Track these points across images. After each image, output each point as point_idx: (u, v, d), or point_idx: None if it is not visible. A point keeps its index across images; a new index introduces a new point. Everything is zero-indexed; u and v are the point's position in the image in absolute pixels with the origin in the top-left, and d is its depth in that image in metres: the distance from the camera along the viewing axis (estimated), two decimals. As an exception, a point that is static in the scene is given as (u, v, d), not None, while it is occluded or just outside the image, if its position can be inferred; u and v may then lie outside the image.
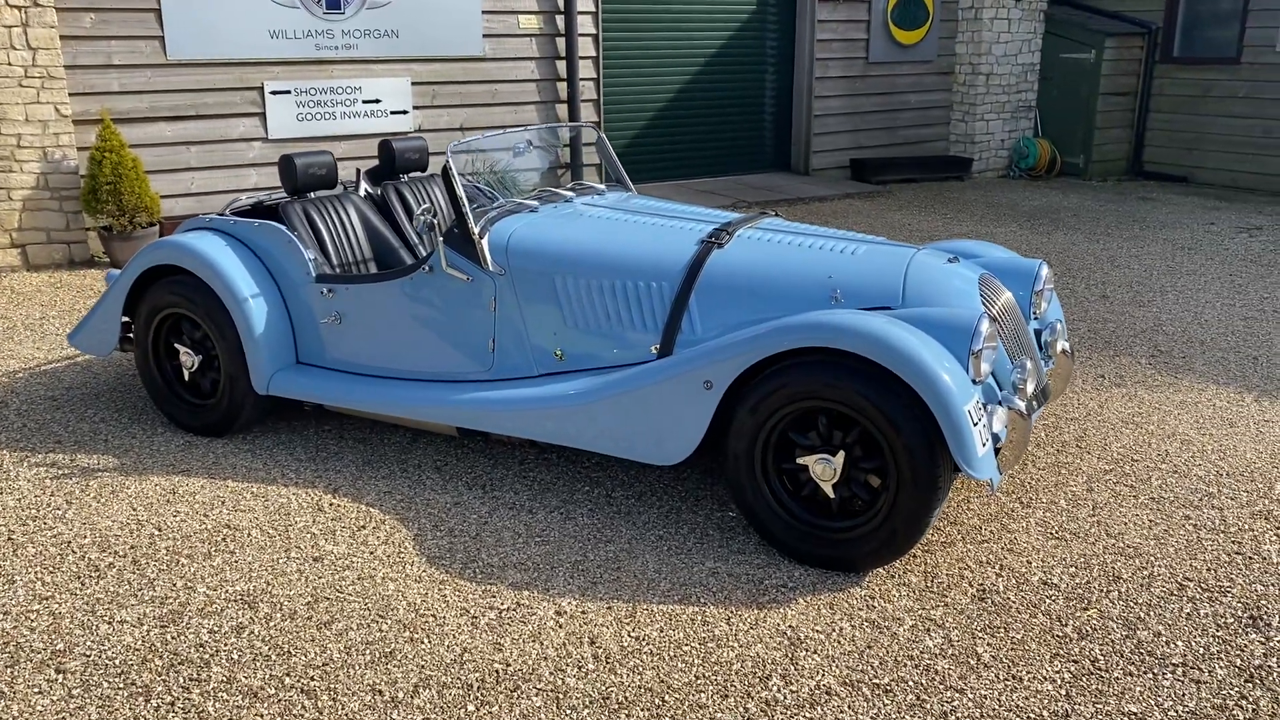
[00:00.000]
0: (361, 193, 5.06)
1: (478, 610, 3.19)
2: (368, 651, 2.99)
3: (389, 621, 3.14)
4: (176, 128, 8.08)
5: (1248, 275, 7.35)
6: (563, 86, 9.53)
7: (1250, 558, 3.43)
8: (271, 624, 3.12)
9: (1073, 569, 3.38)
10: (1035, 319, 4.06)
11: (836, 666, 2.90)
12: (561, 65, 9.48)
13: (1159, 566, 3.38)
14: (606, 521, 3.75)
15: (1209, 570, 3.36)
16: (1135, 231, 8.90)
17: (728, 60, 11.03)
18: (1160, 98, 12.03)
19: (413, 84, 8.94)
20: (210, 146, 8.27)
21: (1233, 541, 3.54)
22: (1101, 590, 3.25)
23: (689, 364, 3.49)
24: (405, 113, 9.06)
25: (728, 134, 11.27)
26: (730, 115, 11.24)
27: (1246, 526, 3.64)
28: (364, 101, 8.85)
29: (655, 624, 3.11)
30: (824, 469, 3.30)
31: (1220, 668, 2.86)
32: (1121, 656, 2.91)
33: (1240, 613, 3.11)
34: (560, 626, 3.11)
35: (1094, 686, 2.80)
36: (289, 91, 8.56)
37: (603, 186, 4.71)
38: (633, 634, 3.06)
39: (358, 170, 5.17)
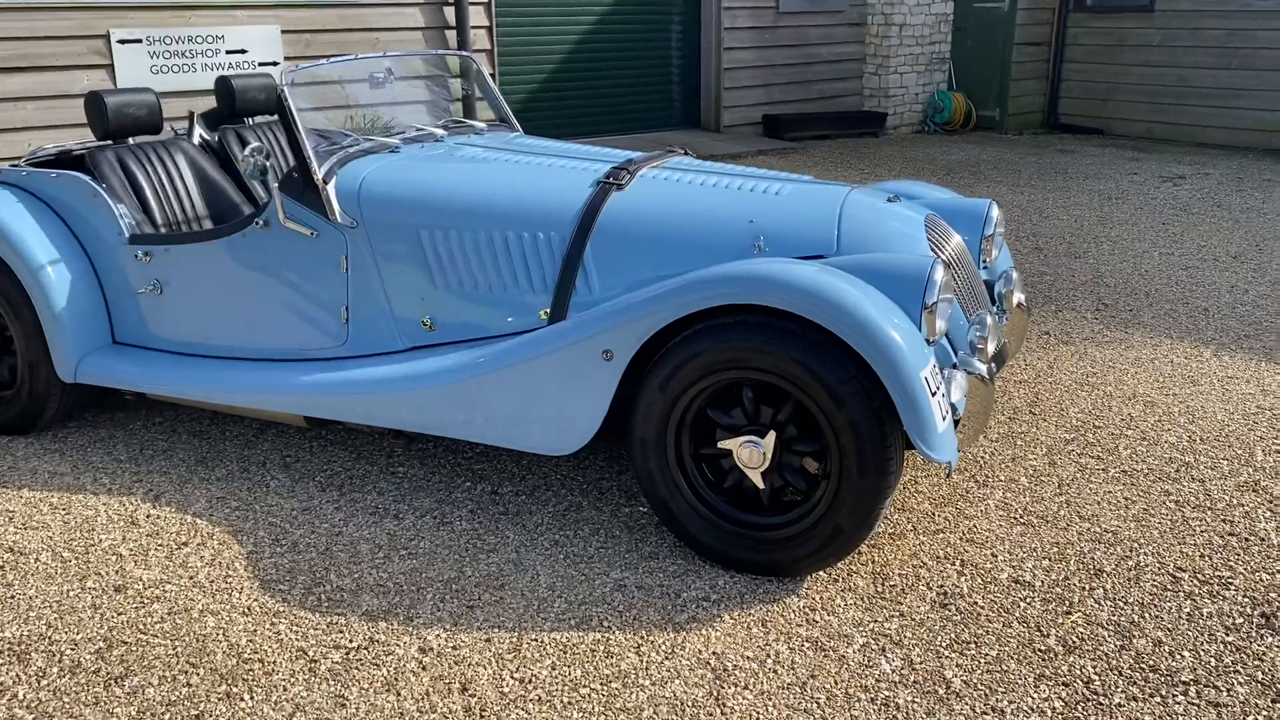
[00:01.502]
0: (196, 139, 4.26)
1: (319, 651, 2.50)
2: (167, 715, 2.29)
3: (201, 671, 2.43)
4: (9, 81, 7.09)
5: (1180, 224, 6.97)
6: (452, 35, 8.72)
7: (1246, 539, 2.93)
8: (44, 683, 2.39)
9: (1046, 561, 2.83)
10: (985, 267, 3.50)
11: (773, 706, 2.30)
12: (450, 12, 8.67)
13: (1145, 555, 2.86)
14: (490, 526, 3.08)
15: (1203, 557, 2.84)
16: (1059, 183, 8.50)
17: (632, 9, 10.32)
18: (1075, 48, 11.70)
19: (282, 32, 8.05)
20: (50, 103, 7.28)
21: (1223, 521, 3.03)
22: (1083, 588, 2.71)
23: (583, 331, 2.83)
24: (275, 64, 8.18)
25: (633, 88, 10.58)
26: (636, 68, 10.54)
27: (1234, 501, 3.14)
28: (228, 52, 7.95)
29: (545, 659, 2.46)
30: (751, 454, 2.69)
31: (1239, 683, 2.33)
32: (1120, 674, 2.37)
33: (1249, 610, 2.60)
34: (424, 669, 2.44)
35: (1093, 718, 2.24)
36: (140, 40, 7.61)
37: (482, 125, 4.00)
38: (516, 675, 2.41)
39: (191, 113, 4.36)
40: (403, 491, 3.30)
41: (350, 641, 2.54)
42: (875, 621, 2.58)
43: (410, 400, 3.11)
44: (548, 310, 3.13)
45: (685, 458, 2.81)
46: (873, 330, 2.48)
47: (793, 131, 10.75)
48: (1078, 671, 2.38)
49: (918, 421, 2.48)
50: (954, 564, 2.83)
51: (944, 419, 2.54)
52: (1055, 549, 2.90)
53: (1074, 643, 2.48)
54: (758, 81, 10.93)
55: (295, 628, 2.60)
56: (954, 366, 2.80)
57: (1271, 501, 3.13)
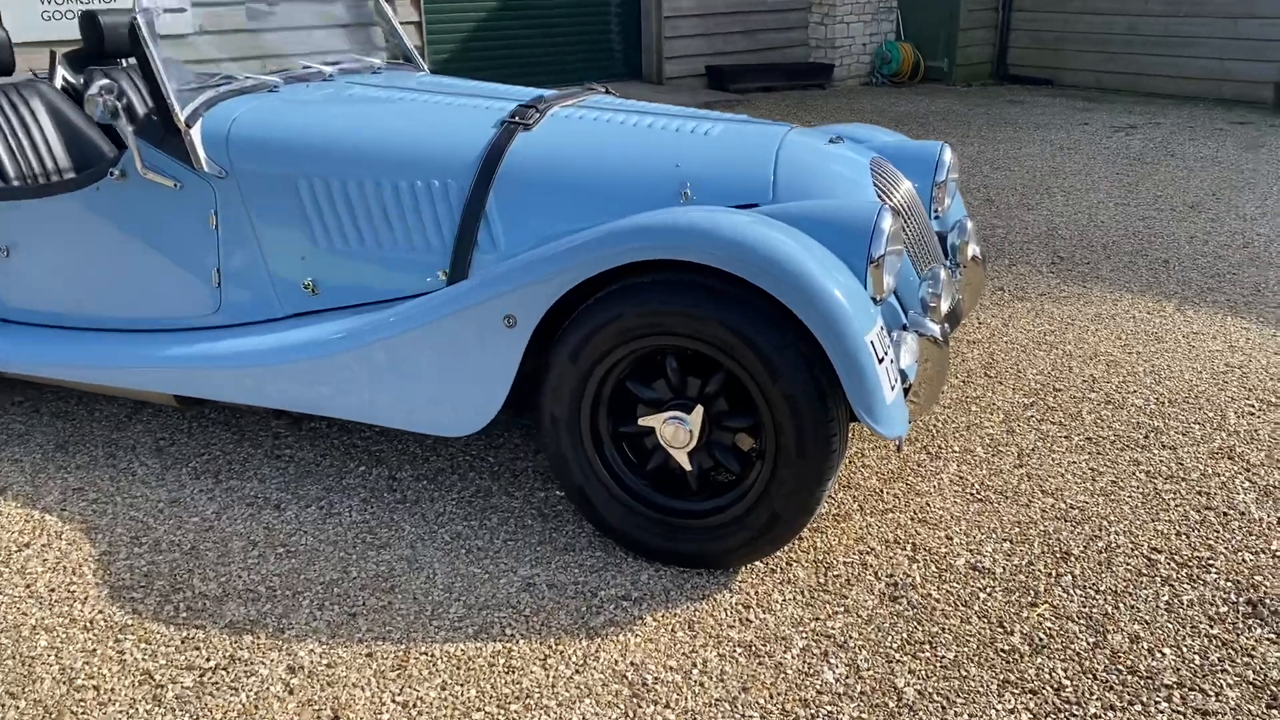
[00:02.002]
0: (58, 82, 3.78)
1: (168, 673, 2.13)
2: (-26, 763, 1.91)
3: (22, 703, 2.05)
4: None
5: (1134, 174, 6.72)
6: (372, -21, 8.17)
7: (1225, 514, 2.65)
8: None
9: (1007, 544, 2.53)
10: (936, 218, 3.17)
11: (700, 727, 1.98)
12: (369, -46, 8.10)
13: (1116, 534, 2.56)
14: (383, 517, 2.71)
15: (1179, 536, 2.55)
16: (1009, 134, 8.22)
17: (565, -47, 9.82)
18: (1024, -4, 11.40)
19: (185, -25, 7.45)
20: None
21: (1198, 493, 2.75)
22: (1049, 574, 2.41)
23: (482, 293, 2.46)
24: (183, 11, 7.59)
25: (571, 39, 10.09)
26: (573, 18, 10.05)
27: (1209, 471, 2.87)
28: (127, -3, 7.35)
29: (435, 678, 2.11)
30: (676, 431, 2.34)
31: (1228, 684, 2.05)
32: (1094, 678, 2.07)
33: (1234, 597, 2.32)
34: (290, 693, 2.08)
35: (1066, 731, 1.95)
36: (28, -16, 7.01)
37: (377, 62, 3.57)
38: (399, 697, 2.06)
39: (52, 52, 3.87)
40: (287, 478, 2.91)
41: (207, 661, 2.17)
42: (817, 620, 2.26)
43: (289, 375, 2.71)
44: (446, 270, 2.75)
45: (602, 437, 2.46)
46: (811, 288, 2.14)
47: (737, 83, 10.35)
48: (1046, 675, 2.08)
49: (863, 392, 2.15)
50: (905, 549, 2.52)
51: (893, 388, 2.21)
52: (1017, 529, 2.59)
53: (1041, 640, 2.18)
54: (701, 31, 10.50)
55: (143, 645, 2.22)
56: (904, 328, 2.47)
57: (1249, 470, 2.86)
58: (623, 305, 2.29)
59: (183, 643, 2.22)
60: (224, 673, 2.13)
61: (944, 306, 2.56)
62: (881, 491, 2.79)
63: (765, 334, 2.19)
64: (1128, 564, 2.44)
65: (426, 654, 2.18)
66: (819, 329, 2.13)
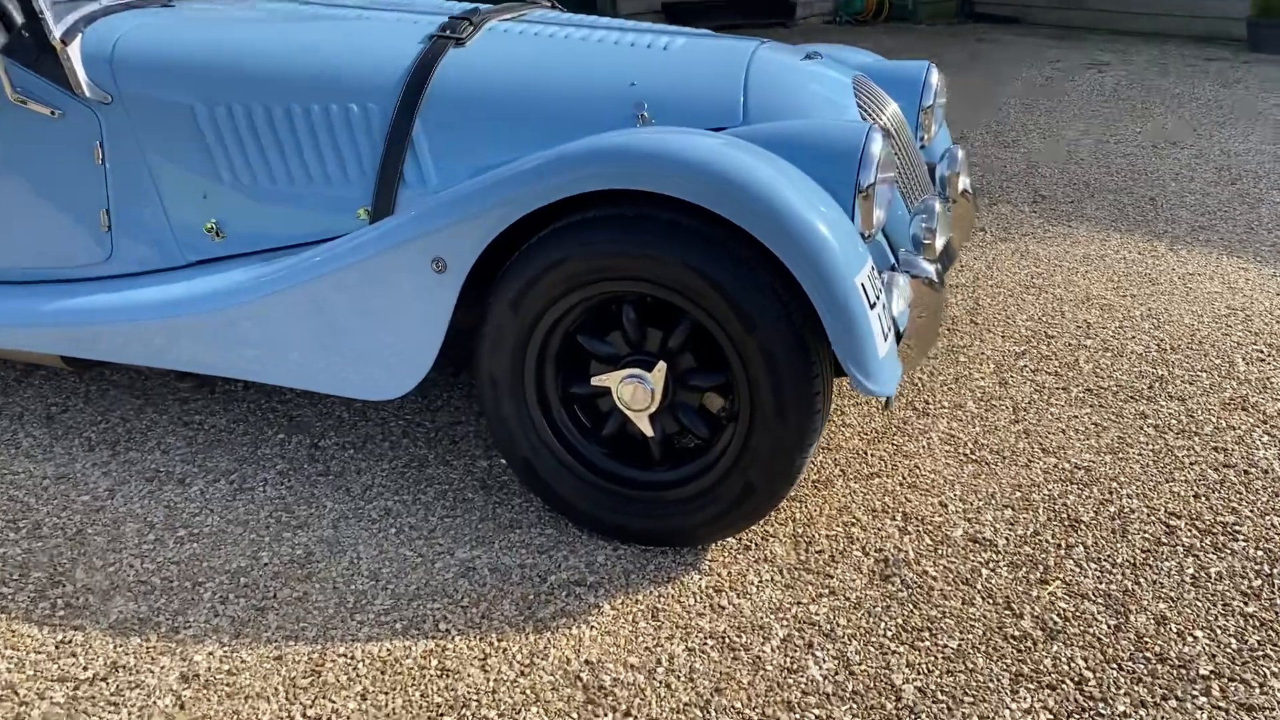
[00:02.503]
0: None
1: (35, 686, 1.80)
2: None
3: None
4: None
5: (1110, 111, 6.44)
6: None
7: (1246, 472, 2.39)
8: None
9: (1008, 511, 2.25)
10: (922, 147, 2.85)
11: (667, 739, 1.68)
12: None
13: (1128, 498, 2.30)
14: (302, 492, 2.38)
15: (1198, 498, 2.29)
16: (980, 72, 7.90)
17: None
18: (991, -70, 11.03)
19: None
20: None
21: (1214, 449, 2.49)
22: (1058, 546, 2.13)
23: (406, 233, 2.10)
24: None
25: (520, -27, 9.59)
26: (521, -49, 9.53)
27: (1223, 424, 2.60)
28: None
29: (356, 684, 1.80)
30: (635, 392, 2.02)
31: (1273, 672, 1.79)
32: (1119, 668, 1.80)
33: (1266, 568, 2.05)
34: (181, 708, 1.75)
35: (1092, 735, 1.68)
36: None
37: (292, -25, 3.16)
38: (312, 709, 1.74)
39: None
40: (195, 449, 2.56)
41: (84, 670, 1.84)
42: (799, 604, 1.97)
43: (189, 331, 2.35)
44: (369, 208, 2.39)
45: (550, 399, 2.14)
46: (792, 222, 1.81)
47: (696, 21, 9.92)
48: (1065, 666, 1.81)
49: (853, 344, 1.83)
50: (894, 518, 2.23)
51: (885, 339, 1.90)
52: (1018, 494, 2.32)
53: (1056, 624, 1.91)
54: (657, -35, 10.05)
55: (9, 652, 1.88)
56: (893, 269, 2.16)
57: (1267, 422, 2.60)
58: (570, 245, 1.96)
59: (57, 648, 1.89)
60: (103, 684, 1.80)
61: (938, 244, 2.25)
62: (865, 453, 2.49)
63: (738, 277, 1.86)
64: (1144, 532, 2.17)
65: (346, 655, 1.86)
66: (802, 270, 1.81)
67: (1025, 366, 2.93)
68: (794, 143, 2.02)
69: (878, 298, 1.90)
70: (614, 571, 2.07)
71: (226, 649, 1.88)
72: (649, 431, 2.07)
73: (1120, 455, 2.46)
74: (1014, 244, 4.00)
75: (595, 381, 2.07)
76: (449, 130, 2.32)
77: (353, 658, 1.85)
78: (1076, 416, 2.65)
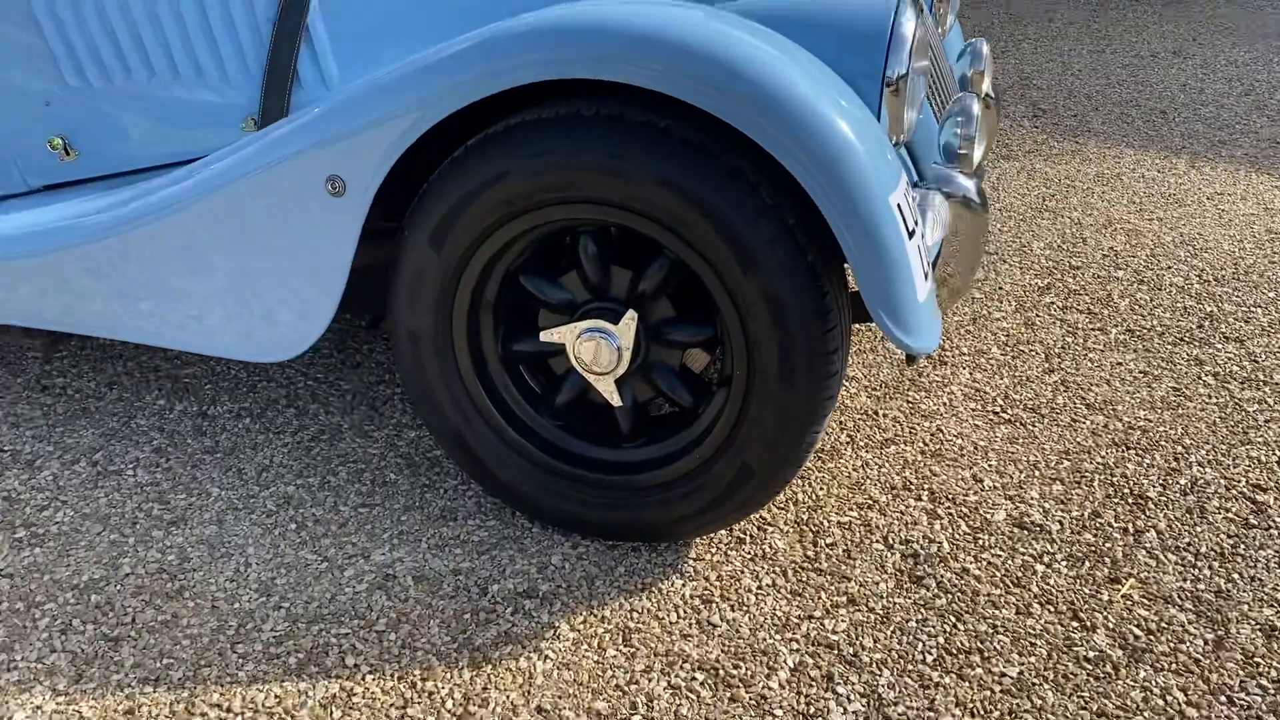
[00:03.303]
0: None
1: None
2: None
3: None
4: None
5: (1102, 20, 5.97)
6: None
7: (1333, 431, 1.99)
8: None
9: (1057, 486, 1.84)
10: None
11: (648, 821, 1.26)
12: None
13: (1199, 465, 1.89)
14: (183, 475, 1.90)
15: (1282, 465, 1.89)
16: (958, -21, 7.37)
17: None
18: None
19: None
20: None
21: (1289, 402, 2.09)
22: (1124, 531, 1.72)
23: (292, 145, 1.60)
24: None
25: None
26: None
27: (1293, 370, 2.20)
28: None
29: (228, 755, 1.35)
30: (597, 350, 1.56)
31: None
32: (1231, 702, 1.40)
33: (1385, 557, 1.66)
34: (-13, 797, 1.30)
35: (1208, 802, 1.28)
36: None
37: None
38: (166, 796, 1.30)
39: None
40: (53, 420, 2.07)
41: None
42: (811, 619, 1.55)
43: (32, 275, 1.85)
44: (255, 117, 1.88)
45: (488, 359, 1.67)
46: (805, 118, 1.34)
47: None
48: (1160, 701, 1.40)
49: (886, 285, 1.38)
50: (920, 498, 1.81)
51: (925, 278, 1.45)
52: (1066, 463, 1.90)
53: (1139, 641, 1.50)
54: None
55: None
56: (915, 185, 1.70)
57: (1345, 369, 2.20)
58: (507, 158, 1.47)
59: None
60: (-114, 760, 1.34)
61: (976, 154, 1.79)
62: (876, 414, 2.06)
63: (732, 199, 1.39)
64: (1227, 511, 1.76)
65: (220, 706, 1.41)
66: (818, 185, 1.34)
67: (1052, 303, 2.51)
68: (802, 20, 1.54)
69: (916, 223, 1.45)
70: (573, 578, 1.63)
71: (62, 700, 1.42)
72: (615, 400, 1.61)
73: (1180, 412, 2.05)
74: (1019, 163, 3.55)
75: (545, 337, 1.60)
76: (353, 15, 1.81)
77: (229, 709, 1.40)
78: (1120, 364, 2.23)
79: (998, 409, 2.08)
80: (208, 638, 1.52)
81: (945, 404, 2.10)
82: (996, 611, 1.55)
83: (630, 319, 1.54)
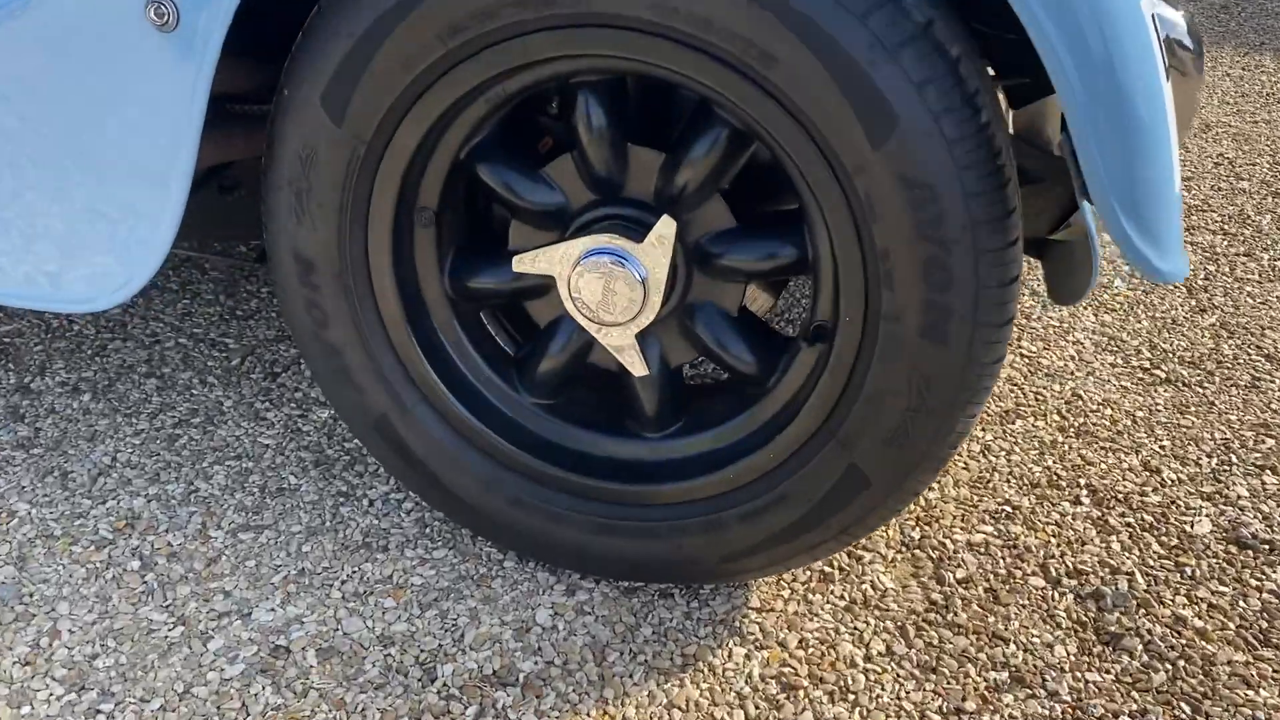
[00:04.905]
0: None
1: None
2: None
3: None
4: None
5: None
6: None
7: None
8: None
9: (1267, 476, 1.27)
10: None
11: None
12: None
13: None
14: (9, 476, 1.27)
15: None
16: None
17: None
18: None
19: None
20: None
21: None
22: (1390, 546, 1.15)
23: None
24: None
25: None
26: None
27: None
28: None
29: None
30: (609, 285, 0.95)
31: None
32: None
33: None
34: None
35: None
36: None
37: None
38: None
39: None
40: None
41: None
42: (940, 695, 0.96)
43: None
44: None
45: (428, 301, 1.05)
46: None
47: None
48: None
49: (1141, 163, 0.78)
50: (1079, 500, 1.23)
51: (1179, 162, 0.85)
52: (1268, 439, 1.33)
53: None
54: None
55: None
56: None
57: None
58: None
59: None
60: None
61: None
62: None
63: (856, 7, 0.78)
64: None
65: None
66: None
67: (1207, 228, 1.92)
68: None
69: (1169, 64, 0.84)
70: (571, 648, 1.03)
71: None
72: (637, 366, 1.00)
73: (1402, 364, 1.48)
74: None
75: (521, 265, 0.98)
76: None
77: None
78: (1293, 301, 1.66)
79: (1147, 364, 1.50)
80: (-32, 773, 0.91)
81: (1075, 358, 1.51)
82: (1251, 694, 0.98)
83: (665, 231, 0.92)
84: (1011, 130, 1.11)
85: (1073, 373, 1.48)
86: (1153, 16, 0.80)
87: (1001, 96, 1.10)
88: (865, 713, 0.96)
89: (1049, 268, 1.13)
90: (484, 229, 1.09)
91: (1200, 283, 1.72)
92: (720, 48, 0.82)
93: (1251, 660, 1.01)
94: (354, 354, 1.04)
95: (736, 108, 0.86)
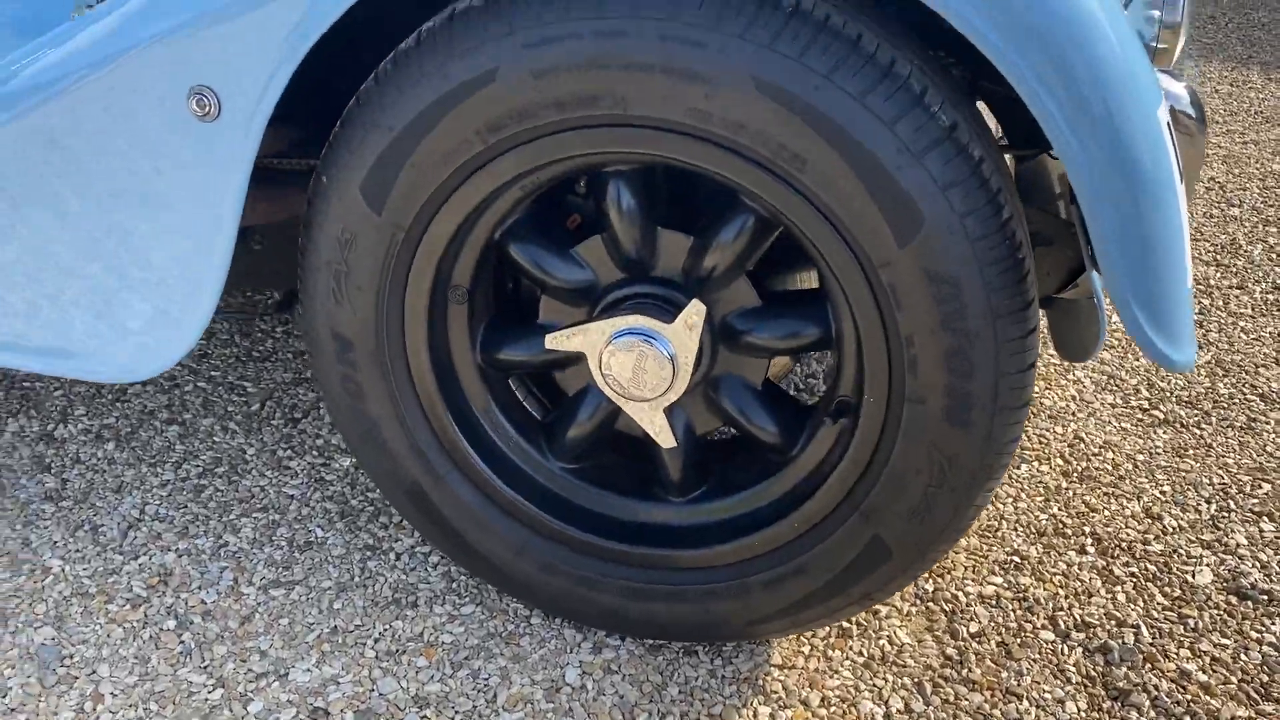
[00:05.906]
0: None
1: None
2: None
3: None
4: None
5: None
6: None
7: None
8: None
9: (1265, 523, 1.31)
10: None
11: None
12: None
13: None
14: (8, 540, 1.29)
15: None
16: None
17: None
18: None
19: None
20: None
21: None
22: (1382, 594, 1.20)
23: (131, 36, 0.97)
24: None
25: None
26: None
27: None
28: None
29: None
30: (640, 363, 0.98)
31: None
32: None
33: None
34: None
35: None
36: None
37: None
38: None
39: None
40: None
41: None
42: (973, 767, 1.01)
43: None
44: (90, -2, 1.24)
45: (459, 374, 1.08)
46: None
47: None
48: None
49: (1155, 263, 0.82)
50: (1084, 549, 1.27)
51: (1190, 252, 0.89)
52: (1265, 485, 1.37)
53: None
54: None
55: None
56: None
57: None
58: (494, 48, 0.87)
59: None
60: None
61: (1179, 45, 1.22)
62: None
63: (885, 115, 0.81)
64: None
65: None
66: (1058, 85, 0.77)
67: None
68: None
69: (1176, 151, 0.88)
70: (600, 708, 1.06)
71: None
72: (665, 439, 1.03)
73: (1391, 404, 1.53)
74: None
75: (555, 342, 1.01)
76: None
77: None
78: (1285, 335, 1.70)
79: (1145, 404, 1.54)
80: (22, 843, 0.94)
81: (1075, 398, 1.55)
82: (1255, 751, 1.02)
83: (695, 315, 0.96)
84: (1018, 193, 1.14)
85: (1074, 414, 1.52)
86: (1167, 125, 0.84)
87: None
88: (887, 771, 1.00)
89: (1056, 324, 1.16)
90: (514, 302, 1.12)
91: (1195, 318, 1.77)
92: (752, 149, 0.85)
93: (1254, 715, 1.06)
94: (389, 426, 1.07)
95: (766, 202, 0.89)
